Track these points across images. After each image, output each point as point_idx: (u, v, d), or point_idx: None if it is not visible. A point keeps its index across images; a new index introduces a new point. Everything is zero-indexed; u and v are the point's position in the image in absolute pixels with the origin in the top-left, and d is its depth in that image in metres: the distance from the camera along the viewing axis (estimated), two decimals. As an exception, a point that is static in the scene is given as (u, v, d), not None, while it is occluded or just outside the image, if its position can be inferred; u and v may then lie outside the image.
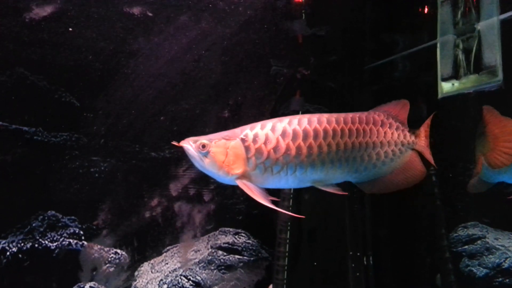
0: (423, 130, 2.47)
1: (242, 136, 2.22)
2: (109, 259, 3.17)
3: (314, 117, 2.29)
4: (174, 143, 2.17)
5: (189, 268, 3.22)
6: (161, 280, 3.18)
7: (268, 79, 3.41)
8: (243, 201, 3.33)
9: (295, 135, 2.23)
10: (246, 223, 3.45)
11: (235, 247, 3.36)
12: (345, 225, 3.49)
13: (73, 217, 3.10)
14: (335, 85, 3.53)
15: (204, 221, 3.33)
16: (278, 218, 3.39)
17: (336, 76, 3.55)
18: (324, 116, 2.31)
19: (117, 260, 3.20)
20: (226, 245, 3.35)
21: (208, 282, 3.24)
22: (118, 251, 3.23)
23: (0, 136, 2.85)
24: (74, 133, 3.01)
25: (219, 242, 3.36)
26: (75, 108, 3.01)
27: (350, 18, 3.58)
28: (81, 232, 3.11)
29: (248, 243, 3.42)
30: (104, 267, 3.16)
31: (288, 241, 3.34)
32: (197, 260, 3.25)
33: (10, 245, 2.95)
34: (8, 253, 2.94)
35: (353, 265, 3.46)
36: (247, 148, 2.20)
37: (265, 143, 2.21)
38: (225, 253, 3.32)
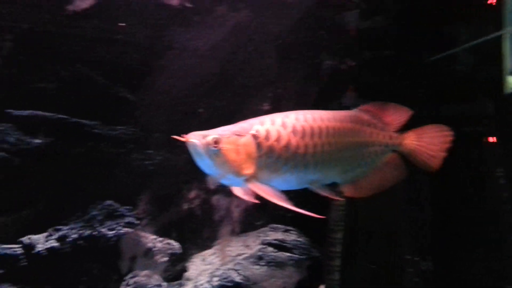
0: (414, 133, 2.29)
1: (253, 131, 2.00)
2: (162, 249, 3.27)
3: (313, 114, 2.13)
4: (177, 137, 1.89)
5: (239, 263, 3.24)
6: (212, 272, 3.22)
7: (313, 72, 3.31)
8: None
9: (304, 132, 2.06)
10: (296, 221, 3.40)
11: (285, 244, 3.32)
12: (403, 228, 3.33)
13: (129, 207, 3.25)
14: (390, 80, 3.36)
15: (254, 217, 3.33)
16: (330, 217, 3.30)
17: (392, 70, 3.38)
18: (320, 114, 2.15)
19: (170, 250, 3.29)
20: (276, 242, 3.32)
21: (258, 277, 3.23)
22: (171, 241, 3.33)
23: (61, 129, 3.05)
24: (130, 127, 3.14)
25: (268, 238, 3.33)
26: (130, 102, 3.14)
27: (407, 9, 3.37)
28: (136, 222, 3.24)
29: (299, 241, 3.36)
30: (158, 256, 3.26)
31: (341, 241, 3.25)
32: (247, 255, 3.25)
33: (71, 232, 3.15)
34: (69, 239, 3.14)
35: (410, 270, 3.29)
36: (258, 145, 1.98)
37: (277, 140, 2.02)
38: (275, 250, 3.29)
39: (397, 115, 2.31)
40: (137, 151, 3.15)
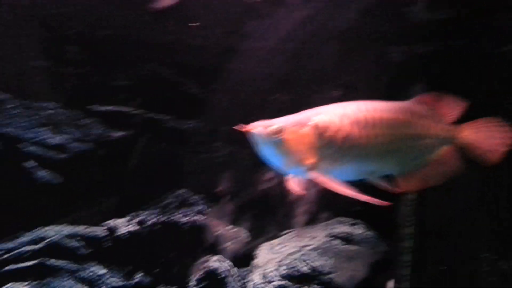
0: (471, 126, 2.21)
1: (314, 122, 1.99)
2: (232, 236, 3.41)
3: (372, 105, 2.09)
4: (239, 127, 1.93)
5: (306, 253, 3.28)
6: (280, 261, 3.29)
7: (381, 64, 3.20)
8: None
9: (366, 123, 2.03)
10: (364, 214, 3.36)
11: (352, 237, 3.30)
12: (480, 223, 3.17)
13: (201, 196, 3.42)
14: (460, 71, 3.16)
15: (321, 209, 3.34)
16: (399, 212, 3.23)
17: (462, 62, 3.17)
18: (378, 104, 2.11)
19: (239, 238, 3.42)
20: (343, 234, 3.31)
21: (325, 269, 3.25)
22: (240, 228, 3.46)
23: (137, 123, 3.28)
24: (199, 121, 3.28)
25: (336, 231, 3.33)
26: (199, 97, 3.28)
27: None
28: (208, 210, 3.41)
29: (367, 234, 3.33)
30: (228, 243, 3.41)
31: (412, 236, 3.16)
32: (314, 246, 3.28)
33: (149, 217, 3.39)
34: (147, 224, 3.38)
35: (487, 269, 3.13)
36: (320, 136, 1.98)
37: (338, 131, 1.99)
38: (342, 243, 3.29)
39: (453, 107, 2.23)
40: (206, 144, 3.30)
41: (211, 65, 3.23)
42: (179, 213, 3.39)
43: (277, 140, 1.91)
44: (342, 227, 3.37)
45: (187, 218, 3.38)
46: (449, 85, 3.07)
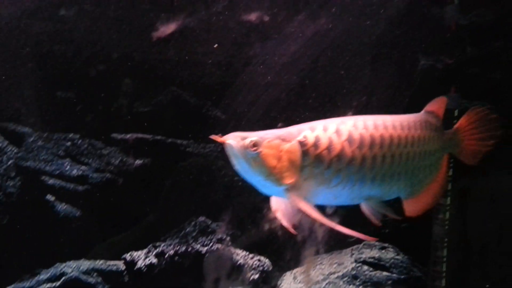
0: (461, 127, 2.09)
1: (300, 138, 1.80)
2: (254, 266, 3.24)
3: (376, 121, 1.89)
4: (215, 137, 1.76)
5: (333, 282, 3.08)
6: (305, 292, 3.11)
7: (405, 75, 3.11)
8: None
9: (361, 141, 1.82)
10: (394, 237, 3.16)
11: (382, 262, 3.09)
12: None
13: (220, 223, 3.31)
14: (500, 76, 3.03)
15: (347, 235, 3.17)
16: (433, 233, 3.02)
17: (501, 66, 3.06)
18: (384, 119, 1.91)
19: (261, 268, 3.25)
20: (372, 260, 3.11)
21: (354, 298, 3.04)
22: (262, 258, 3.30)
23: (158, 148, 3.27)
24: (220, 145, 3.23)
25: (363, 256, 3.13)
26: (219, 120, 3.26)
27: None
28: (228, 238, 3.28)
29: (397, 259, 3.11)
30: (249, 274, 3.24)
31: (445, 259, 2.93)
32: (340, 274, 3.08)
33: (168, 248, 3.27)
34: (166, 255, 3.26)
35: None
36: (305, 153, 1.77)
37: (328, 148, 1.79)
38: (371, 269, 3.08)
39: (442, 107, 2.10)
40: (227, 167, 3.23)
41: (225, 86, 3.24)
42: (199, 242, 3.27)
43: (253, 154, 1.73)
44: (371, 252, 3.17)
45: (207, 247, 3.26)
46: (494, 93, 2.97)
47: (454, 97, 3.05)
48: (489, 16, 3.08)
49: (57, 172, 3.39)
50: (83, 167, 3.42)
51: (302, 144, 1.78)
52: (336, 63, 3.15)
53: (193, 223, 3.31)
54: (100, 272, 3.32)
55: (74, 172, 3.42)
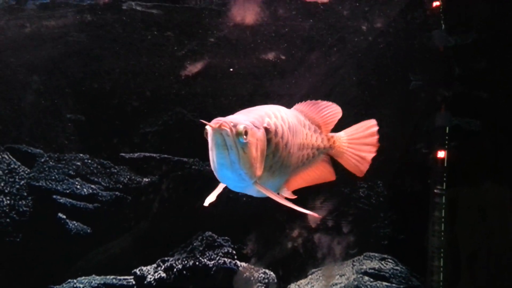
0: (344, 135, 2.02)
1: (266, 124, 1.59)
2: (259, 279, 3.36)
3: (287, 111, 1.81)
4: (204, 121, 1.49)
5: (336, 293, 3.20)
6: (309, 303, 3.23)
7: (405, 98, 3.30)
8: (387, 225, 3.21)
9: (294, 129, 1.73)
10: (393, 248, 3.29)
11: (382, 273, 3.22)
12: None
13: (226, 238, 3.43)
14: (486, 94, 3.19)
15: (348, 246, 3.30)
16: (429, 244, 3.15)
17: (487, 85, 3.21)
18: (290, 111, 1.85)
19: (266, 280, 3.37)
20: (372, 270, 3.24)
21: (356, 308, 3.16)
22: (267, 271, 3.41)
23: (165, 167, 3.41)
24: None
25: (364, 267, 3.27)
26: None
27: (498, 20, 3.21)
28: (234, 252, 3.40)
29: (396, 269, 3.24)
30: (255, 286, 3.35)
31: (441, 269, 3.06)
32: (342, 284, 3.20)
33: (176, 262, 3.39)
34: (175, 269, 3.38)
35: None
36: (268, 142, 1.58)
37: (282, 136, 1.62)
38: (371, 279, 3.20)
39: (329, 115, 1.98)
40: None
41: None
42: (206, 256, 3.38)
43: (243, 143, 1.48)
44: (371, 263, 3.31)
45: (213, 261, 3.38)
46: (482, 110, 3.09)
47: (444, 115, 3.20)
48: (473, 37, 3.24)
49: (68, 191, 3.52)
50: (93, 186, 3.55)
51: (267, 131, 1.59)
52: (346, 97, 3.35)
53: (200, 237, 3.44)
54: (110, 287, 3.43)
55: (84, 191, 3.55)
